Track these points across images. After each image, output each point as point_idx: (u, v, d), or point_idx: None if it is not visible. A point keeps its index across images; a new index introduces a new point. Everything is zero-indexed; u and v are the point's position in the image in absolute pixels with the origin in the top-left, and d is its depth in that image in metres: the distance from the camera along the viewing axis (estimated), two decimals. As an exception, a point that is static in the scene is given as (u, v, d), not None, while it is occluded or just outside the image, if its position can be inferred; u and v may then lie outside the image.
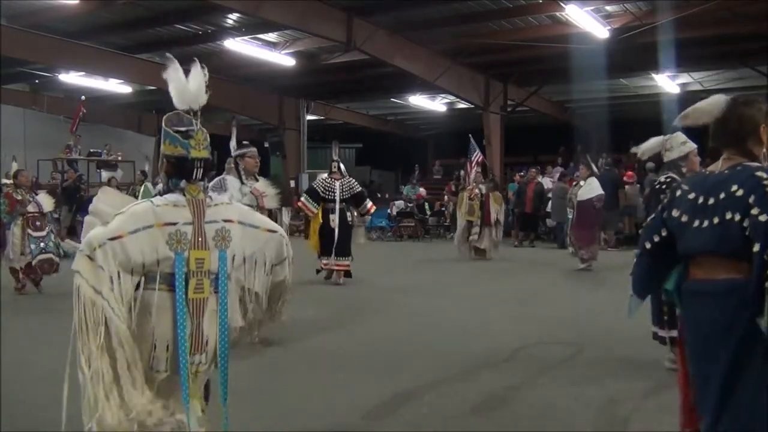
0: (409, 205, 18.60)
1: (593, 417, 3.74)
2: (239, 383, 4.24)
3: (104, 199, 2.46)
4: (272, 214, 5.44)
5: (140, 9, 13.08)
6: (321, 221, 8.69)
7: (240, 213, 2.46)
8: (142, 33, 14.62)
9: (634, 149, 2.88)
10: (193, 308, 2.27)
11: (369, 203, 9.12)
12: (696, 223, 2.14)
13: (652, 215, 2.43)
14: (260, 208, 5.25)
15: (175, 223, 2.27)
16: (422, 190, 19.77)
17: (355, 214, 8.95)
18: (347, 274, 8.81)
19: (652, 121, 17.21)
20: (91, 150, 17.35)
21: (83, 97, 16.64)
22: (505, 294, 8.13)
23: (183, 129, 2.35)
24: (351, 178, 9.10)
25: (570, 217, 10.11)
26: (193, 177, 2.35)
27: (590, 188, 9.89)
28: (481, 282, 9.27)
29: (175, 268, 2.25)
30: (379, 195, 21.55)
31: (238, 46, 14.29)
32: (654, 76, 16.88)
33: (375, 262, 11.69)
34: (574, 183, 10.53)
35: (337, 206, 8.70)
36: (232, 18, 13.52)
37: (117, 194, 2.62)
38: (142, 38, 14.89)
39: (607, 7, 12.50)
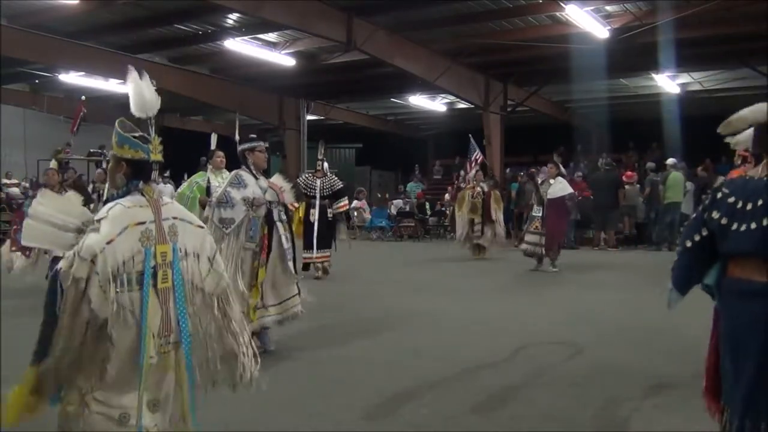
0: (408, 201, 18.59)
1: (593, 417, 3.74)
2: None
3: (44, 202, 2.47)
4: (288, 209, 5.37)
5: (140, 9, 13.10)
6: (302, 215, 9.12)
7: (179, 210, 2.64)
8: (142, 33, 14.65)
9: (728, 139, 2.85)
10: (162, 297, 2.44)
11: (341, 201, 9.36)
12: (735, 226, 2.23)
13: (694, 214, 2.51)
14: (280, 204, 5.13)
15: (144, 222, 2.43)
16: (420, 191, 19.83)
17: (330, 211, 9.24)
18: (325, 270, 9.22)
19: (652, 121, 17.33)
20: (91, 150, 17.30)
21: (83, 97, 16.55)
22: (505, 294, 8.13)
23: (138, 134, 2.50)
24: (333, 177, 9.51)
25: (538, 214, 10.08)
26: (151, 179, 2.53)
27: (561, 186, 9.95)
28: (481, 282, 9.26)
29: (144, 263, 2.40)
30: (379, 195, 21.57)
31: (238, 46, 14.30)
32: (654, 76, 16.87)
33: (375, 262, 11.70)
34: (541, 182, 10.56)
35: (318, 202, 9.13)
36: (232, 18, 13.52)
37: (56, 197, 2.63)
38: (142, 38, 14.91)
39: (607, 7, 12.51)
